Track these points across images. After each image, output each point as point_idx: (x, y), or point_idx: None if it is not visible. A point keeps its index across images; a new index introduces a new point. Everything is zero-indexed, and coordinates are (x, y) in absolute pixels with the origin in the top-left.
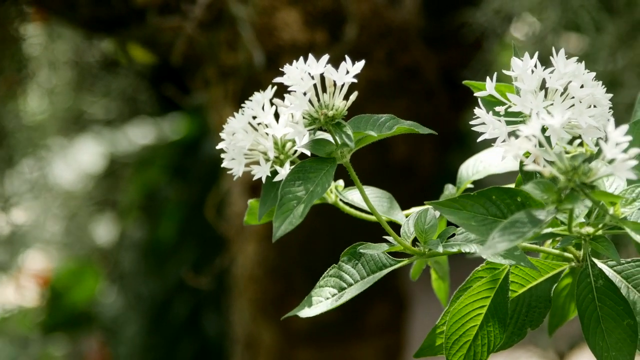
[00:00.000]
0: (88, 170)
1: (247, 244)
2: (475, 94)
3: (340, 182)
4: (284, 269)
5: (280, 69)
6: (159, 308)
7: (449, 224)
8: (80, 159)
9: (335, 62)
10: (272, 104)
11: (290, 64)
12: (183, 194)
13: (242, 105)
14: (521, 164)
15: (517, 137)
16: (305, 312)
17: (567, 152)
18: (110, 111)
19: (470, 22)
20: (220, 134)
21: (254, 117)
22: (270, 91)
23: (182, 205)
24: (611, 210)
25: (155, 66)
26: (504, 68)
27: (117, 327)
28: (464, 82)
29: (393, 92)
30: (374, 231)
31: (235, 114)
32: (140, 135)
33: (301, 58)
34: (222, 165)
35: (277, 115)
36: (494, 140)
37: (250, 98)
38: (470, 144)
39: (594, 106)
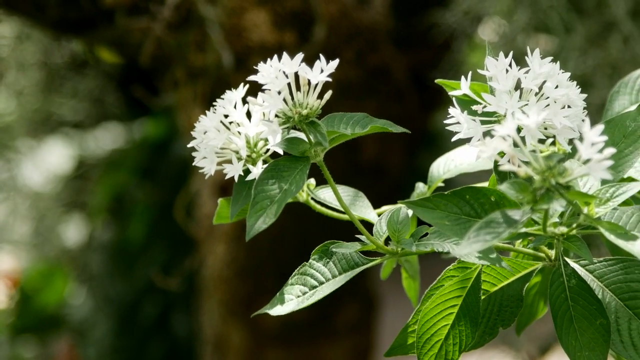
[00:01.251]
0: (57, 171)
1: (217, 245)
2: (450, 93)
3: (312, 181)
4: (254, 269)
5: (249, 69)
6: (128, 309)
7: (419, 223)
8: (49, 161)
9: (304, 63)
10: (245, 102)
11: (259, 64)
12: (152, 195)
13: (212, 106)
14: (495, 164)
15: (491, 137)
16: (277, 310)
17: (540, 152)
18: (79, 112)
19: (439, 23)
20: (192, 132)
21: (226, 116)
22: (242, 90)
23: (152, 207)
24: (585, 210)
25: (124, 67)
26: (474, 68)
27: (86, 329)
28: (437, 80)
29: (362, 92)
30: (344, 231)
31: (207, 112)
32: (108, 136)
33: (275, 57)
34: (194, 164)
35: (248, 114)
36: (466, 140)
37: (220, 98)
38: (439, 145)
39: (568, 106)
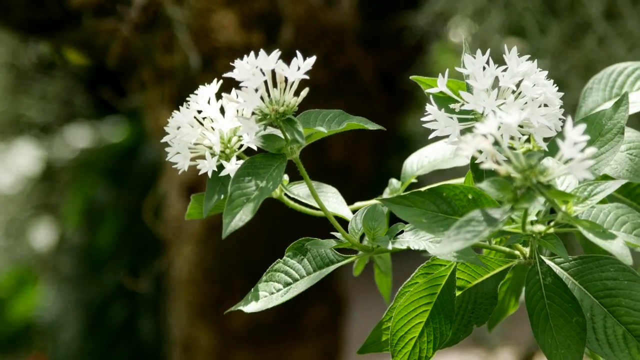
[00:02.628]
0: (26, 173)
1: (185, 247)
2: (426, 91)
3: (286, 177)
4: (222, 271)
5: (216, 70)
6: (97, 312)
7: (392, 221)
8: (18, 163)
9: (281, 60)
10: (219, 98)
11: (227, 66)
12: (122, 198)
13: (179, 107)
14: (473, 162)
15: (468, 135)
16: (251, 307)
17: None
18: (48, 114)
19: (409, 24)
20: (165, 127)
21: (200, 112)
22: (215, 85)
23: (121, 209)
24: (563, 209)
25: (93, 68)
26: (445, 70)
27: (55, 331)
28: (412, 77)
29: (329, 93)
30: (313, 231)
31: (175, 113)
32: (78, 138)
33: (252, 53)
34: (167, 159)
35: (222, 110)
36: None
37: (187, 99)
38: (408, 147)
39: (545, 105)
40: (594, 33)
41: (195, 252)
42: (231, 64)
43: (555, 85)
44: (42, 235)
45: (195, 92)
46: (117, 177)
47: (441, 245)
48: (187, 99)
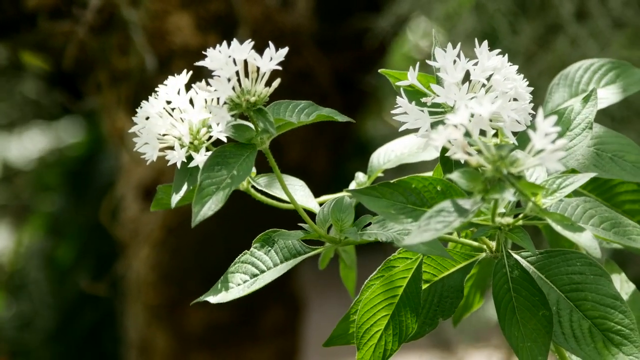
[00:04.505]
0: None
1: (142, 249)
2: (396, 84)
3: (252, 170)
4: (179, 273)
5: (172, 72)
6: (64, 317)
7: (358, 213)
8: None
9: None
10: (189, 88)
11: (183, 68)
12: (82, 199)
13: (136, 109)
14: (442, 154)
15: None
16: (219, 297)
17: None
18: (8, 115)
19: (370, 26)
20: (133, 118)
21: (169, 102)
22: (185, 76)
23: (82, 212)
24: (533, 201)
25: (54, 70)
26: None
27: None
28: (381, 70)
29: (286, 96)
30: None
31: (150, 98)
32: (39, 139)
33: (224, 42)
34: (134, 149)
35: (191, 101)
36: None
37: (144, 101)
38: (366, 149)
39: (515, 100)
40: (565, 34)
41: (152, 254)
42: (178, 70)
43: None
44: (1, 239)
45: (152, 93)
46: (78, 179)
47: (411, 236)
48: (144, 100)
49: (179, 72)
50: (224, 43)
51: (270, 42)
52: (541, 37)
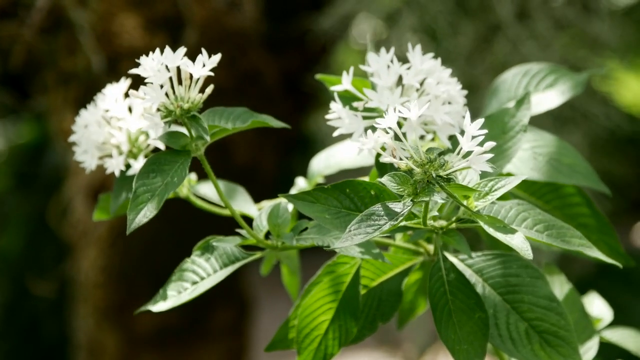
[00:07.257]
0: None
1: (91, 250)
2: (331, 88)
3: (193, 176)
4: (127, 274)
5: (120, 73)
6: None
7: (300, 218)
8: None
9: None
10: (127, 96)
11: (130, 68)
12: (30, 200)
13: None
14: (377, 158)
15: (374, 130)
16: (159, 307)
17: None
18: None
19: (315, 27)
20: (72, 127)
21: (107, 111)
22: (123, 84)
23: (29, 212)
24: (465, 204)
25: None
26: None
27: None
28: (317, 75)
29: (233, 96)
30: (219, 233)
31: (88, 106)
32: None
33: (157, 50)
34: (74, 158)
35: (130, 109)
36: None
37: (91, 102)
38: (311, 146)
39: (449, 103)
40: (505, 35)
41: (100, 256)
42: (137, 61)
43: (466, 88)
44: None
45: (99, 94)
46: (26, 178)
47: (342, 240)
48: (92, 100)
49: (127, 73)
50: (157, 50)
51: (203, 50)
52: (483, 38)
